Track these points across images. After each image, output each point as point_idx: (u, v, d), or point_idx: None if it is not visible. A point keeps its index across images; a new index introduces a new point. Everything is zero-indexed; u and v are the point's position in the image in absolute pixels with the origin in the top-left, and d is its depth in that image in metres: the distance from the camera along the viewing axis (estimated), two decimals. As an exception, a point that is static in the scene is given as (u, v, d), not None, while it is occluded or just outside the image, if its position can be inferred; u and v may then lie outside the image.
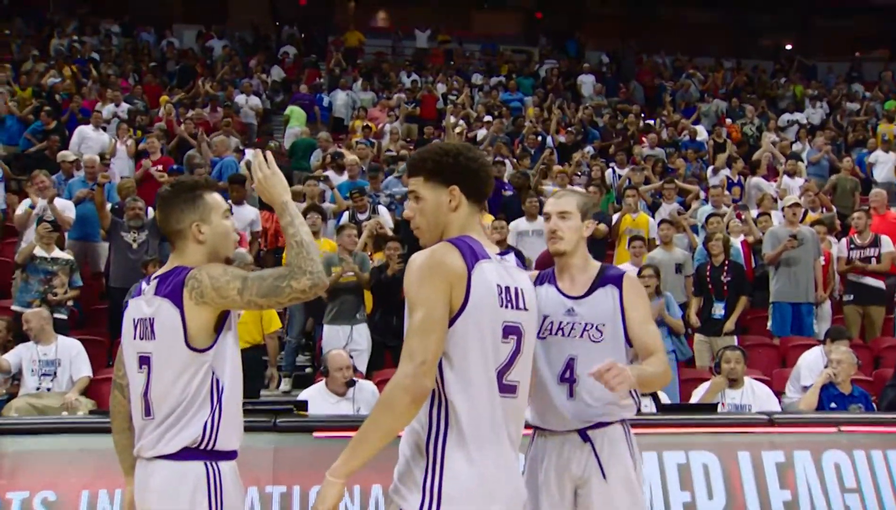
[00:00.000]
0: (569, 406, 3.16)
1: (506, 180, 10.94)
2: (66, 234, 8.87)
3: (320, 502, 2.41)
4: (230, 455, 2.86)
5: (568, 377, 3.17)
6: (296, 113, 14.96)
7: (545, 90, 17.90)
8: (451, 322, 2.42)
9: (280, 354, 8.28)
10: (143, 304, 2.87)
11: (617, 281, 3.24)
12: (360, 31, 21.61)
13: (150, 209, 8.62)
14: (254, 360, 7.09)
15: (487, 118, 14.93)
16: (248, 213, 9.12)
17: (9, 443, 4.85)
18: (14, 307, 7.63)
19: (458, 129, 13.44)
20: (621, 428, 3.22)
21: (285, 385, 8.00)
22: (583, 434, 3.17)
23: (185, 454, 2.73)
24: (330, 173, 10.99)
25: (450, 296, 2.41)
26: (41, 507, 4.63)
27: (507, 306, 2.54)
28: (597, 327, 3.18)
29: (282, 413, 5.00)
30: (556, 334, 3.21)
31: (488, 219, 8.42)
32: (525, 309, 2.60)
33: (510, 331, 2.54)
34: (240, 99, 15.44)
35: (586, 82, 18.40)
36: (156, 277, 2.90)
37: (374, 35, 22.57)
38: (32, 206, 8.37)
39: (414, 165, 2.63)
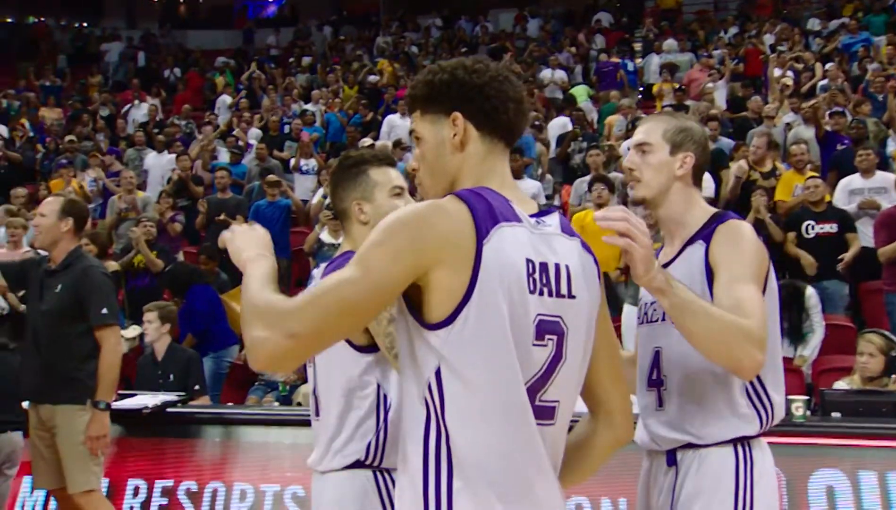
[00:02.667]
0: (657, 417, 2.26)
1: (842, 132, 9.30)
2: (357, 221, 8.97)
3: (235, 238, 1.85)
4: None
5: (655, 378, 2.26)
6: (579, 91, 14.17)
7: (902, 25, 15.22)
8: (451, 318, 1.59)
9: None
10: None
11: (708, 233, 2.23)
12: (681, -9, 20.21)
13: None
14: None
15: (829, 65, 12.96)
16: (529, 187, 8.33)
17: (265, 433, 4.85)
18: (305, 295, 7.80)
19: (782, 82, 11.77)
20: (733, 453, 2.20)
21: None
22: (670, 456, 2.27)
23: (353, 465, 2.52)
24: (626, 143, 10.08)
25: (416, 275, 1.59)
26: (291, 503, 4.50)
27: (541, 292, 1.67)
28: None
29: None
30: (644, 323, 2.32)
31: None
32: (571, 296, 1.72)
33: (546, 328, 1.67)
34: (545, 74, 15.00)
35: (966, 9, 15.37)
36: (328, 263, 2.59)
37: (695, -8, 20.98)
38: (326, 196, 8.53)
39: (408, 98, 1.85)
